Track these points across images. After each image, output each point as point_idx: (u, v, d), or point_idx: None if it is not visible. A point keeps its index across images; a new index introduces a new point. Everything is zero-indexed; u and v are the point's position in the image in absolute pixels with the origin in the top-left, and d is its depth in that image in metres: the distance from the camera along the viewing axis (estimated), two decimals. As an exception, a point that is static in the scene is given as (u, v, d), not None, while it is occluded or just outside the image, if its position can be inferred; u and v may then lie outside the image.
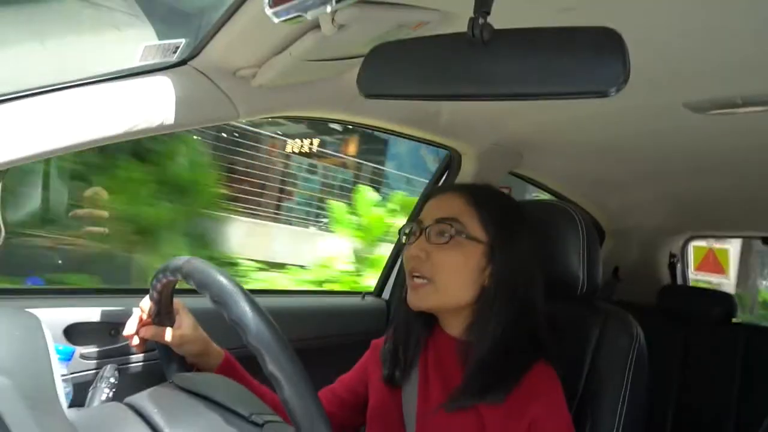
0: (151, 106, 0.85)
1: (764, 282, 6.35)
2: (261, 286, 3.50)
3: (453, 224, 0.89)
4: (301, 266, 4.17)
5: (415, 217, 0.98)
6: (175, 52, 0.88)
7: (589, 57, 0.56)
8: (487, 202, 0.93)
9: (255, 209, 4.97)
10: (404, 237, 0.96)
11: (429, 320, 0.96)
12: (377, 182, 6.10)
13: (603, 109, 1.17)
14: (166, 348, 0.91)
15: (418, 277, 0.90)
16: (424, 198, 1.01)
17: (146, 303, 0.89)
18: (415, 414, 0.91)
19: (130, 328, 0.89)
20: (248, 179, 4.92)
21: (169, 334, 0.89)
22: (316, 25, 0.79)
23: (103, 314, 1.00)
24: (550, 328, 0.91)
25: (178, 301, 0.91)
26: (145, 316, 0.89)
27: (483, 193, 0.95)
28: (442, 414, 0.87)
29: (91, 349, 0.98)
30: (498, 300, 0.88)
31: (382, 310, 1.55)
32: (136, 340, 0.89)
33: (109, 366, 0.91)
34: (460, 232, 0.89)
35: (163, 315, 0.89)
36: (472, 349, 0.88)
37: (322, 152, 5.79)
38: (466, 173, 1.48)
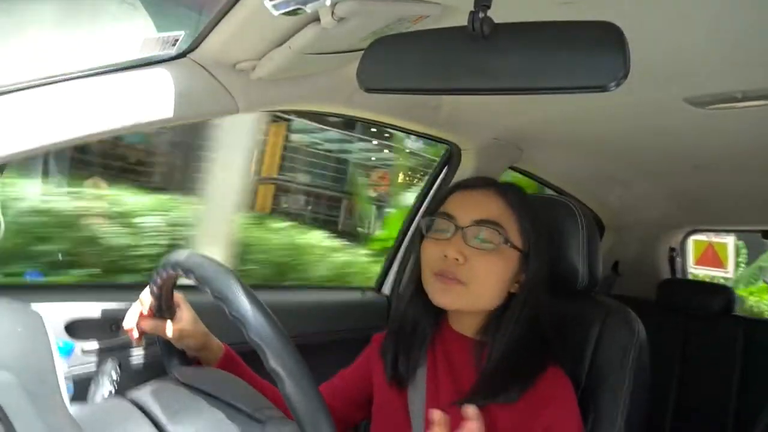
0: (150, 99, 0.85)
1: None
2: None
3: (499, 230, 0.85)
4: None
5: (434, 209, 0.92)
6: (174, 44, 0.87)
7: (590, 51, 0.56)
8: (523, 206, 0.89)
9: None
10: (426, 230, 0.90)
11: (437, 317, 0.95)
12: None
13: (603, 104, 1.17)
14: (166, 342, 0.91)
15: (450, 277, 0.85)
16: (447, 191, 0.94)
17: (146, 297, 0.88)
18: (423, 412, 0.90)
19: (129, 320, 0.88)
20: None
21: (169, 328, 0.89)
22: (315, 18, 0.79)
23: (104, 309, 1.00)
24: (554, 325, 0.91)
25: (178, 295, 0.91)
26: (145, 311, 0.89)
27: (517, 194, 0.91)
28: (452, 412, 0.87)
29: (93, 345, 0.98)
30: (526, 306, 0.86)
31: (383, 305, 1.56)
32: (135, 333, 0.89)
33: (110, 361, 0.91)
34: (507, 240, 0.85)
35: (163, 309, 0.89)
36: (488, 350, 0.86)
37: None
38: (466, 168, 1.48)
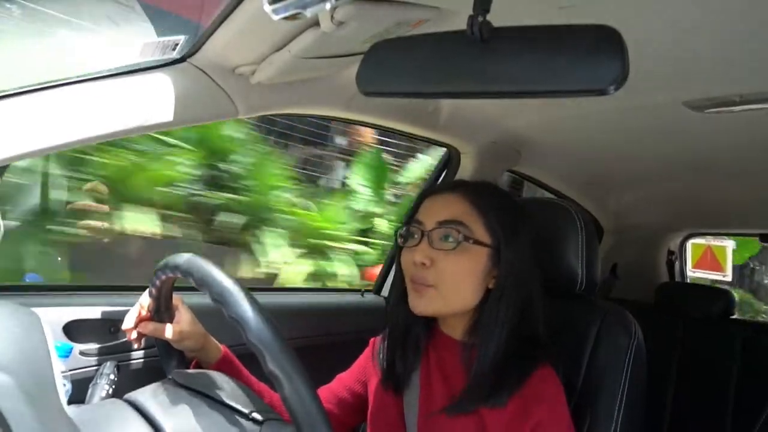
0: (150, 103, 0.85)
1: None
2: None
3: (459, 228, 0.85)
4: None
5: (411, 217, 0.93)
6: (174, 49, 0.88)
7: (588, 55, 0.56)
8: (491, 202, 0.89)
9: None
10: (401, 239, 0.91)
11: (429, 322, 0.95)
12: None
13: (602, 107, 1.17)
14: (164, 343, 0.91)
15: (421, 283, 0.86)
16: (421, 197, 0.95)
17: (146, 299, 0.89)
18: (417, 416, 0.90)
19: (128, 321, 0.89)
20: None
21: (168, 331, 0.89)
22: (315, 23, 0.79)
23: (103, 311, 1.00)
24: (548, 327, 0.90)
25: (177, 297, 0.91)
26: (144, 312, 0.89)
27: (485, 192, 0.91)
28: (443, 417, 0.86)
29: (91, 346, 0.98)
30: (504, 303, 0.86)
31: (382, 307, 1.55)
32: (134, 335, 0.89)
33: (108, 363, 0.91)
34: (468, 237, 0.85)
35: (162, 311, 0.89)
36: (477, 352, 0.86)
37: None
38: (465, 171, 1.48)
